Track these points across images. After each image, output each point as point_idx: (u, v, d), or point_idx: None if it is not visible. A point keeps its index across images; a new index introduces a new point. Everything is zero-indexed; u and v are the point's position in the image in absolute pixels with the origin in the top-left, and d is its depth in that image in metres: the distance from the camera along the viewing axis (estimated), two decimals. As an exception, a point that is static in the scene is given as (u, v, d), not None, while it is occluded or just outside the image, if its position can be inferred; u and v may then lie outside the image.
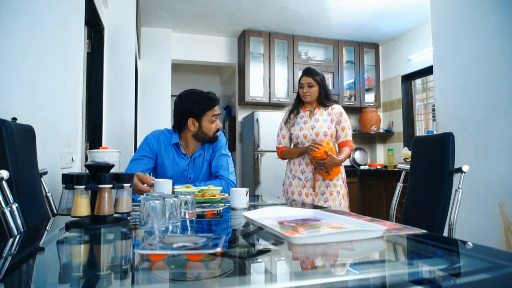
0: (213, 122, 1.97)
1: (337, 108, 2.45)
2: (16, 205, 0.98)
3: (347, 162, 4.91)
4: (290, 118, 2.51)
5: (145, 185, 1.61)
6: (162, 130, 2.05)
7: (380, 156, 5.02)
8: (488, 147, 2.22)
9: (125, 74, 3.11)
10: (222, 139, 2.10)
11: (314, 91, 2.42)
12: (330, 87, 4.70)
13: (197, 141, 2.00)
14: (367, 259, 0.75)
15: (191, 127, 1.94)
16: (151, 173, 1.97)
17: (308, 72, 2.45)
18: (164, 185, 1.43)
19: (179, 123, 1.97)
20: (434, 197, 1.50)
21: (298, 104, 2.52)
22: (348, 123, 2.43)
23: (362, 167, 4.76)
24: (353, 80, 4.88)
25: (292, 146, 2.54)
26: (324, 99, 2.44)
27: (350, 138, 2.41)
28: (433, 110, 4.29)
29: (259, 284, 0.59)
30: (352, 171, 4.48)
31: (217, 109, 1.99)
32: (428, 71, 4.17)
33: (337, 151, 2.42)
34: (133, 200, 1.47)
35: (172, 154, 1.97)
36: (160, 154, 1.97)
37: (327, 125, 2.40)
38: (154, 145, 1.96)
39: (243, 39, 4.50)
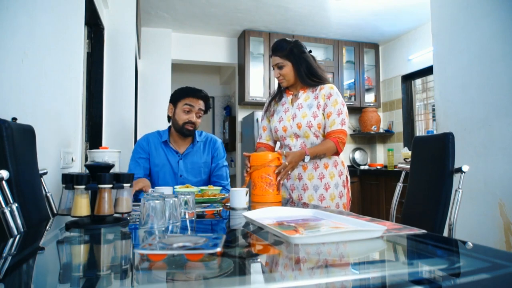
0: (185, 112, 1.99)
1: (325, 88, 1.83)
2: (16, 205, 0.98)
3: (346, 162, 4.92)
4: (271, 105, 2.00)
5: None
6: (152, 132, 2.13)
7: (380, 156, 5.02)
8: (488, 147, 2.22)
9: (125, 74, 3.11)
10: (222, 149, 2.18)
11: (287, 72, 1.85)
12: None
13: (181, 134, 2.03)
14: (367, 259, 0.75)
15: (169, 112, 2.07)
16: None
17: (275, 49, 1.87)
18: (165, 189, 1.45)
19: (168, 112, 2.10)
20: (434, 197, 1.50)
21: (280, 87, 1.98)
22: (337, 107, 1.79)
23: (362, 167, 4.76)
24: (353, 80, 4.88)
25: (273, 141, 2.04)
26: (307, 76, 1.85)
27: (339, 127, 1.77)
28: (433, 110, 4.29)
29: (259, 284, 0.59)
30: (352, 171, 4.48)
31: (193, 101, 1.99)
32: (428, 71, 4.17)
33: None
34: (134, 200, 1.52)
35: (163, 152, 2.04)
36: (151, 153, 2.04)
37: (312, 112, 1.81)
38: (144, 146, 2.05)
39: (243, 39, 4.50)
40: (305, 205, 1.71)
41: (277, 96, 1.99)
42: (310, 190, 1.83)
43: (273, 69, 1.92)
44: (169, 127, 2.11)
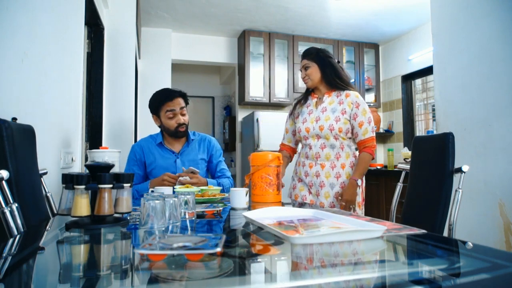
0: (170, 118, 2.00)
1: (352, 96, 1.96)
2: (16, 205, 0.98)
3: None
4: (296, 108, 2.14)
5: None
6: (144, 138, 2.16)
7: (380, 156, 5.02)
8: (488, 147, 2.22)
9: (125, 74, 3.11)
10: (218, 146, 2.20)
11: (312, 72, 2.00)
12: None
13: (176, 137, 2.06)
14: (367, 259, 0.75)
15: (156, 122, 2.08)
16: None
17: (304, 54, 2.07)
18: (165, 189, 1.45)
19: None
20: (434, 197, 1.50)
21: (307, 91, 2.13)
22: (367, 116, 1.94)
23: (362, 167, 4.75)
24: (353, 80, 4.87)
25: (294, 142, 2.19)
26: (333, 78, 1.99)
27: (371, 135, 1.93)
28: (433, 110, 4.29)
29: (259, 284, 0.59)
30: (352, 171, 4.48)
31: (172, 105, 1.99)
32: (428, 71, 4.17)
33: (355, 154, 2.02)
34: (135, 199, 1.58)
35: (159, 153, 2.06)
36: (146, 157, 2.06)
37: (335, 117, 1.93)
38: (138, 152, 2.07)
39: (243, 39, 4.50)
40: (320, 205, 1.89)
41: (303, 99, 2.13)
42: (327, 187, 1.96)
43: (301, 71, 2.08)
44: (161, 131, 2.13)
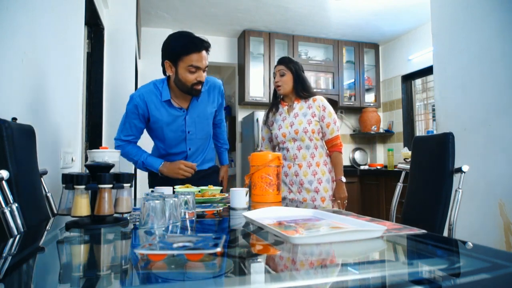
0: (192, 73, 1.71)
1: (318, 101, 2.18)
2: (16, 205, 0.98)
3: (346, 162, 4.92)
4: (269, 116, 2.32)
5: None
6: (148, 86, 1.87)
7: (380, 156, 5.02)
8: (488, 147, 2.22)
9: (125, 74, 3.11)
10: (223, 93, 2.03)
11: (286, 80, 2.17)
12: (330, 87, 4.70)
13: (188, 94, 1.82)
14: (367, 259, 0.75)
15: (168, 70, 1.77)
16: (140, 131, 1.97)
17: (281, 60, 2.22)
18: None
19: (162, 66, 1.81)
20: (434, 197, 1.50)
21: (276, 99, 2.29)
22: (332, 117, 2.17)
23: (362, 167, 4.76)
24: (353, 80, 4.88)
25: (271, 147, 2.37)
26: (301, 90, 2.19)
27: (337, 133, 2.17)
28: (433, 110, 4.29)
29: (259, 284, 0.59)
30: (352, 171, 4.48)
31: (198, 60, 1.70)
32: (428, 71, 4.17)
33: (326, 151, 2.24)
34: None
35: (165, 111, 1.84)
36: (151, 114, 1.83)
37: (307, 120, 2.14)
38: (141, 107, 1.83)
39: (243, 39, 4.50)
40: (304, 201, 2.09)
41: (274, 107, 2.30)
42: (306, 184, 2.17)
43: (274, 76, 2.23)
44: (167, 81, 1.85)
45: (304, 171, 2.16)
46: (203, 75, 1.76)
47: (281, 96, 2.28)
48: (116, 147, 1.94)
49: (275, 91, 2.29)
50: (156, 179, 1.99)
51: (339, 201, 2.14)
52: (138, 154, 1.94)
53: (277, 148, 2.33)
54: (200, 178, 1.99)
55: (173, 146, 1.94)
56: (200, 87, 1.78)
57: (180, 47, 1.71)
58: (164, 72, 1.83)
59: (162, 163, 1.89)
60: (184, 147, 1.94)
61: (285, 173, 2.22)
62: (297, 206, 2.00)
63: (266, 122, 2.34)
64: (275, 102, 2.31)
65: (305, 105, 2.19)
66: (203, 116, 1.91)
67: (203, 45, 1.72)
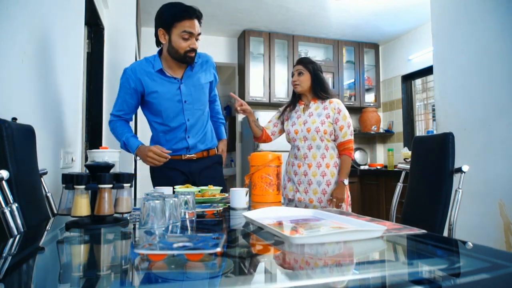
0: (185, 40, 1.75)
1: (334, 103, 2.19)
2: (16, 205, 0.98)
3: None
4: (285, 112, 2.36)
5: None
6: (140, 61, 1.90)
7: (380, 156, 5.02)
8: (488, 147, 2.22)
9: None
10: (215, 65, 2.07)
11: (304, 80, 2.21)
12: (330, 86, 4.70)
13: (182, 63, 1.83)
14: (367, 259, 0.75)
15: (161, 39, 1.80)
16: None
17: (300, 60, 2.29)
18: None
19: (155, 36, 1.84)
20: (434, 197, 1.50)
21: (295, 98, 2.34)
22: (347, 121, 2.17)
23: (362, 167, 4.76)
24: (353, 80, 4.88)
25: (272, 133, 2.39)
26: (320, 90, 2.21)
27: (349, 137, 2.16)
28: (433, 110, 4.29)
29: (259, 284, 0.59)
30: (352, 171, 4.46)
31: (191, 26, 1.74)
32: (428, 71, 4.17)
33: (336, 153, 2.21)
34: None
35: (160, 81, 1.84)
36: (146, 85, 1.83)
37: (321, 120, 2.15)
38: (132, 80, 1.83)
39: (243, 39, 4.50)
40: (308, 203, 2.09)
41: (291, 104, 2.34)
42: (314, 185, 2.16)
43: (293, 76, 2.28)
44: (159, 53, 1.88)
45: (314, 171, 2.15)
46: (196, 43, 1.79)
47: (300, 95, 2.32)
48: (108, 122, 1.95)
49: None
50: (156, 178, 1.96)
51: (334, 200, 2.10)
52: (122, 133, 1.90)
53: (290, 147, 2.35)
54: (203, 169, 1.96)
55: (171, 118, 1.89)
56: (193, 54, 1.81)
57: (174, 14, 1.75)
58: (157, 43, 1.86)
59: (138, 146, 1.82)
60: (182, 119, 1.90)
61: (294, 172, 2.23)
62: (306, 206, 2.04)
63: (281, 114, 2.39)
64: (293, 100, 2.35)
65: (321, 106, 2.22)
66: (198, 86, 1.91)
67: (195, 13, 1.77)
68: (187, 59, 1.81)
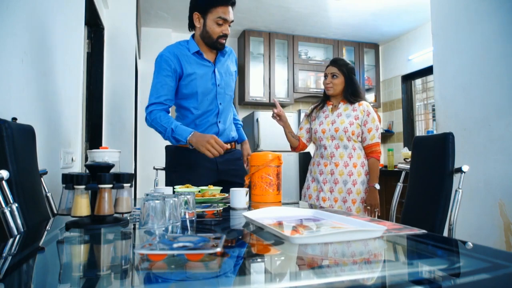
0: (219, 25, 1.79)
1: (364, 105, 2.18)
2: (16, 205, 0.98)
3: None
4: (313, 112, 2.34)
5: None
6: (174, 44, 1.90)
7: (380, 156, 5.01)
8: (488, 147, 2.22)
9: (125, 74, 3.11)
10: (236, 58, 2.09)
11: (338, 83, 2.19)
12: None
13: (213, 48, 1.87)
14: (367, 259, 0.75)
15: (196, 22, 1.83)
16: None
17: (335, 61, 2.24)
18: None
19: (190, 19, 1.87)
20: (434, 197, 1.50)
21: (324, 98, 2.32)
22: (375, 124, 2.17)
23: (362, 167, 4.76)
24: (353, 81, 4.87)
25: (306, 140, 2.38)
26: (351, 94, 2.20)
27: (377, 140, 2.17)
28: (433, 110, 4.29)
29: (259, 284, 0.59)
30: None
31: (225, 12, 1.78)
32: (428, 71, 4.17)
33: (363, 154, 2.22)
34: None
35: (196, 63, 1.85)
36: (184, 67, 1.82)
37: (349, 121, 2.15)
38: (172, 60, 1.81)
39: (243, 39, 4.50)
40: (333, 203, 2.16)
41: (320, 105, 2.33)
42: (340, 184, 2.16)
43: (325, 77, 2.24)
44: (193, 36, 1.91)
45: (340, 170, 2.15)
46: (228, 29, 1.83)
47: (329, 96, 2.31)
48: (148, 114, 1.84)
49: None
50: (177, 161, 1.89)
51: (369, 207, 2.10)
52: (169, 121, 1.81)
53: (315, 148, 2.33)
54: (224, 161, 1.91)
55: (206, 101, 1.88)
56: (224, 41, 1.85)
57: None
58: (191, 26, 1.89)
59: (192, 132, 1.77)
60: (216, 103, 1.89)
61: (320, 171, 2.21)
62: (331, 206, 2.06)
63: (309, 115, 2.37)
64: (323, 99, 2.33)
65: (350, 107, 2.20)
66: (228, 72, 1.95)
67: (231, 0, 1.80)
68: (217, 45, 1.84)
